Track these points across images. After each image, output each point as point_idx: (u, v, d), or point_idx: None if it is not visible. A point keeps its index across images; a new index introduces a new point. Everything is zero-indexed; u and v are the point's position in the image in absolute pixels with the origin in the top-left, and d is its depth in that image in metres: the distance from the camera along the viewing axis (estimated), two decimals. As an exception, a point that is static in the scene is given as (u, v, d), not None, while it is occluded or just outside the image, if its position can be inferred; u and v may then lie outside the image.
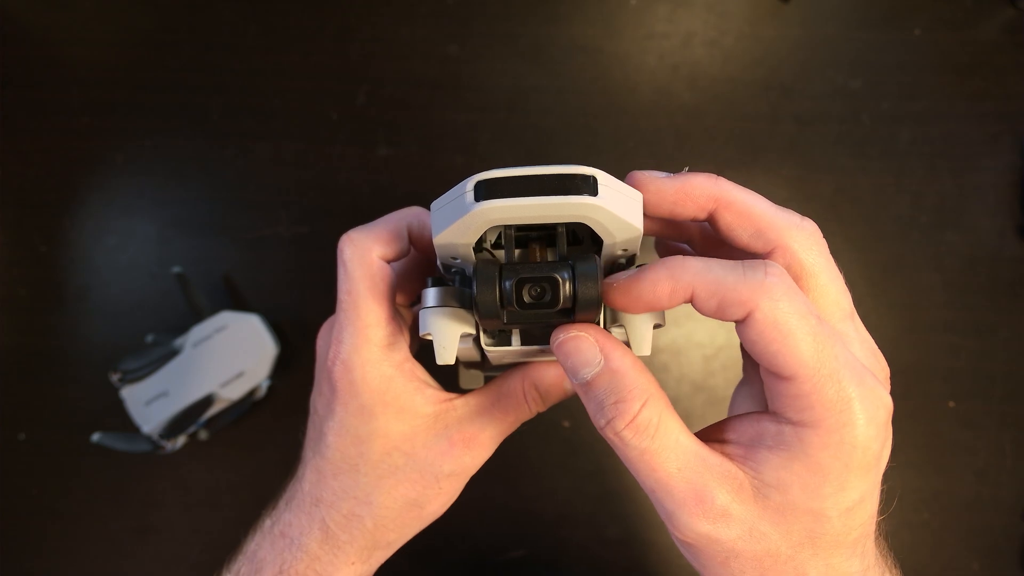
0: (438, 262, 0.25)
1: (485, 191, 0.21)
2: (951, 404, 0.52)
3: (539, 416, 0.31)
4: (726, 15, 0.57)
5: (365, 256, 0.27)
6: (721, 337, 0.53)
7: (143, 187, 0.56)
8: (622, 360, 0.22)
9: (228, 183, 0.56)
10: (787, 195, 0.55)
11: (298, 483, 0.30)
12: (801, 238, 0.24)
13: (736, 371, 0.53)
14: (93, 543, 0.53)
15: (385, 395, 0.28)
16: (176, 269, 0.53)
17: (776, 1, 0.57)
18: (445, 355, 0.25)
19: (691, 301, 0.22)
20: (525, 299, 0.22)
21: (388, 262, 0.28)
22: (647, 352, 0.24)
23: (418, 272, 0.31)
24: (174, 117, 0.57)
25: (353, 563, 0.30)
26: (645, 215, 0.24)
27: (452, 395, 0.30)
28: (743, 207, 0.24)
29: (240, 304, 0.54)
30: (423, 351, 0.31)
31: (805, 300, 0.21)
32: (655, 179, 0.24)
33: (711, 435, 0.24)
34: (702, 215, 0.25)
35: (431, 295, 0.25)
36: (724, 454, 0.22)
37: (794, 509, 0.21)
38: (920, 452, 0.52)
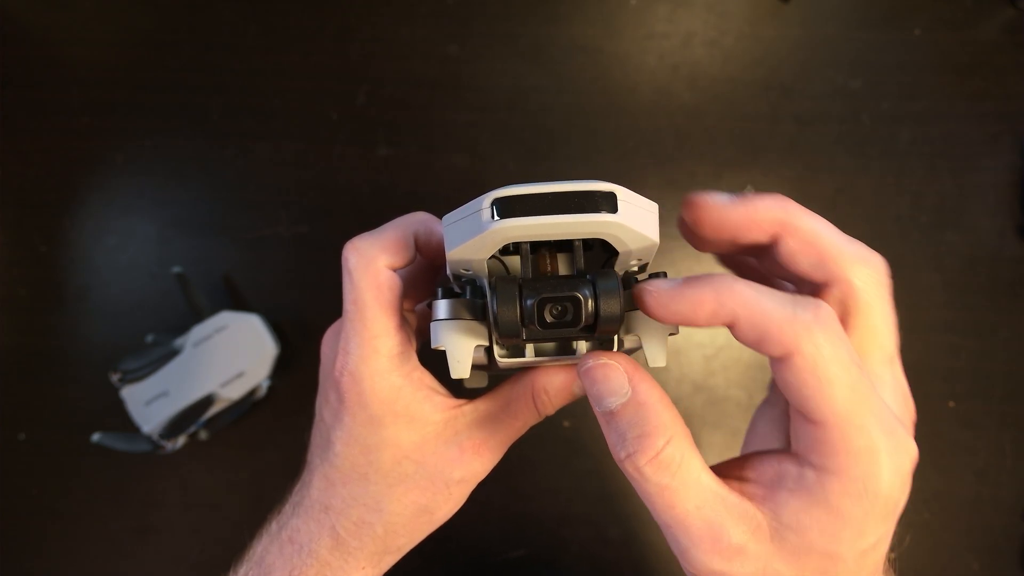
0: (448, 271, 0.25)
1: (503, 209, 0.20)
2: (951, 404, 0.52)
3: (540, 416, 0.31)
4: (726, 15, 0.57)
5: (371, 265, 0.27)
6: (721, 337, 0.53)
7: (143, 187, 0.56)
8: (649, 393, 0.22)
9: (228, 183, 0.56)
10: (787, 195, 0.55)
11: (306, 489, 0.30)
12: (864, 274, 0.23)
13: (736, 371, 0.53)
14: (93, 543, 0.53)
15: (395, 405, 0.28)
16: (176, 269, 0.53)
17: (776, 1, 0.57)
18: (460, 369, 0.25)
19: (730, 327, 0.21)
20: (547, 319, 0.21)
21: (394, 270, 0.28)
22: (662, 363, 0.24)
23: (423, 275, 0.31)
24: (174, 117, 0.57)
25: (364, 567, 0.30)
26: (704, 239, 0.24)
27: (461, 401, 0.30)
28: (810, 235, 0.23)
29: (240, 304, 0.54)
30: (430, 356, 0.31)
31: (849, 347, 0.20)
32: (718, 204, 0.23)
33: (731, 471, 0.23)
34: (764, 239, 0.24)
35: (442, 308, 0.25)
36: (743, 493, 0.22)
37: (810, 551, 0.21)
38: (920, 452, 0.52)
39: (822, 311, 0.20)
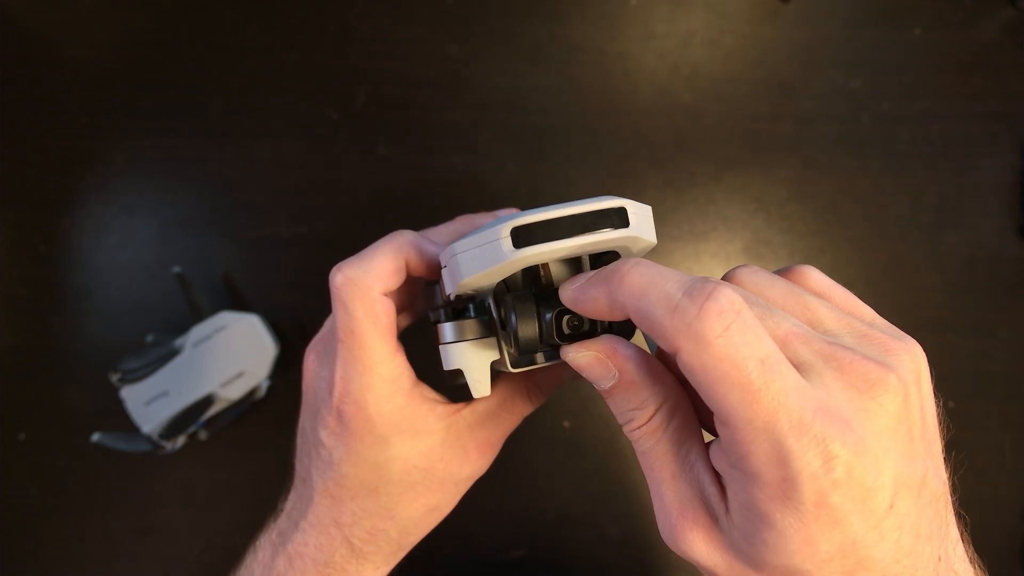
0: (449, 292, 0.25)
1: (523, 238, 0.21)
2: (951, 404, 0.52)
3: (540, 417, 0.32)
4: (726, 15, 0.57)
5: (366, 295, 0.27)
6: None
7: (143, 187, 0.56)
8: (636, 372, 0.22)
9: (228, 183, 0.56)
10: (787, 195, 0.55)
11: (306, 504, 0.30)
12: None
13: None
14: (93, 543, 0.53)
15: (400, 424, 0.28)
16: (176, 269, 0.53)
17: (776, 1, 0.57)
18: (481, 388, 0.25)
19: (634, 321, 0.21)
20: (565, 330, 0.22)
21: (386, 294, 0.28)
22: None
23: (409, 284, 0.31)
24: (174, 117, 0.56)
25: (379, 567, 0.31)
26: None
27: (460, 405, 0.30)
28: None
29: (240, 304, 0.54)
30: (411, 356, 0.31)
31: (747, 339, 0.18)
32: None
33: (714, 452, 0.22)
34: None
35: (449, 331, 0.26)
36: (716, 483, 0.21)
37: (765, 564, 0.19)
38: (920, 452, 0.52)
39: (712, 304, 0.18)
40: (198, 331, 0.51)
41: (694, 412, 0.23)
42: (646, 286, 0.19)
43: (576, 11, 0.57)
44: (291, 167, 0.56)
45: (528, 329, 0.22)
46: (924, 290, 0.54)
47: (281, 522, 0.32)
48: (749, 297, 0.21)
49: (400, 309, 0.30)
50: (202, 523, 0.53)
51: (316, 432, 0.30)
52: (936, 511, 0.21)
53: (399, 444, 0.28)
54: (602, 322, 0.22)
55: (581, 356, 0.23)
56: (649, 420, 0.22)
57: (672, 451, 0.22)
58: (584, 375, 0.23)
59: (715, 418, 0.19)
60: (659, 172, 0.55)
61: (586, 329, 0.22)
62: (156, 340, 0.52)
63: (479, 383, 0.25)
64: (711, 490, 0.21)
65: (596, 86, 0.56)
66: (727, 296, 0.18)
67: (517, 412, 0.30)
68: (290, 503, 0.32)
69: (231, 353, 0.51)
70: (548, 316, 0.22)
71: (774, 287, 0.22)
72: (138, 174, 0.56)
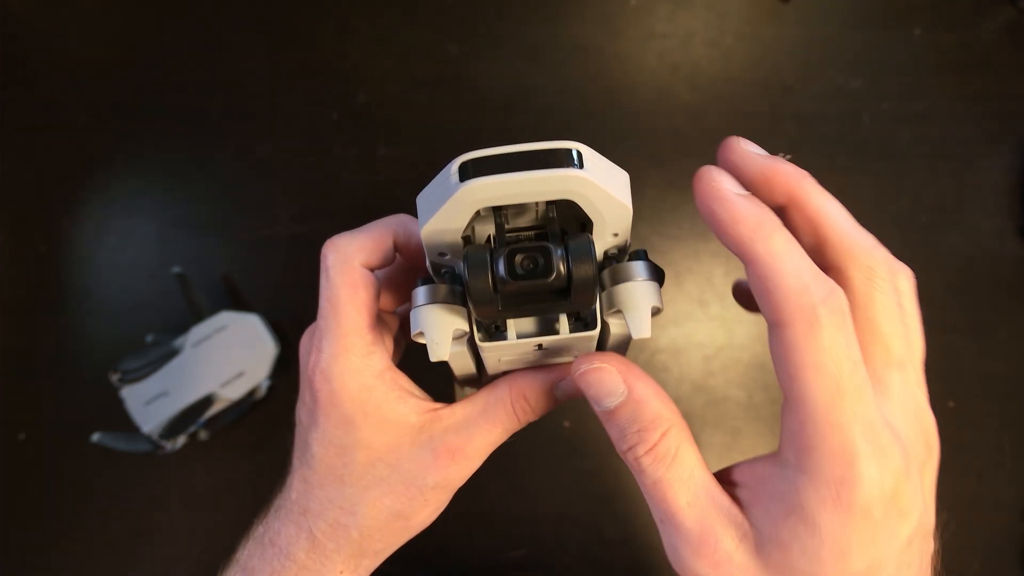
0: (427, 263, 0.25)
1: (471, 170, 0.21)
2: (951, 404, 0.52)
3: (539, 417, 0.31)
4: (726, 15, 0.57)
5: (348, 263, 0.27)
6: (721, 337, 0.53)
7: (143, 187, 0.56)
8: (645, 390, 0.22)
9: (228, 183, 0.56)
10: (787, 195, 0.55)
11: (286, 492, 0.30)
12: (864, 268, 0.22)
13: (736, 371, 0.53)
14: (93, 543, 0.53)
15: (366, 405, 0.27)
16: (176, 269, 0.53)
17: (776, 1, 0.57)
18: (438, 351, 0.24)
19: (747, 265, 0.21)
20: (518, 270, 0.21)
21: (372, 270, 0.28)
22: (647, 334, 0.23)
23: (403, 279, 0.31)
24: (174, 117, 0.57)
25: (341, 571, 0.29)
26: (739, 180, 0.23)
27: (438, 405, 0.29)
28: (814, 214, 0.22)
29: (240, 304, 0.54)
30: (410, 360, 0.31)
31: (851, 343, 0.19)
32: (745, 152, 0.24)
33: (727, 476, 0.23)
34: (775, 203, 0.23)
35: (420, 293, 0.24)
36: (734, 497, 0.22)
37: (794, 571, 0.20)
38: (920, 452, 0.52)
39: (834, 297, 0.19)
40: (198, 331, 0.51)
41: (690, 432, 0.22)
42: (786, 253, 0.20)
43: (576, 11, 0.57)
44: (291, 167, 0.56)
45: (479, 271, 0.21)
46: (924, 290, 0.53)
47: (269, 513, 0.31)
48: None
49: (398, 300, 0.31)
50: (202, 523, 0.53)
51: (298, 412, 0.30)
52: (924, 570, 0.22)
53: (365, 428, 0.27)
54: (559, 271, 0.21)
55: (594, 369, 0.23)
56: (659, 442, 0.22)
57: (683, 476, 0.22)
58: (591, 391, 0.23)
59: (785, 406, 0.20)
60: (659, 172, 0.55)
61: (541, 269, 0.21)
62: (156, 340, 0.52)
63: (438, 345, 0.24)
64: (733, 510, 0.21)
65: (596, 86, 0.56)
66: (841, 299, 0.19)
67: (500, 424, 0.29)
68: (277, 496, 0.32)
69: (231, 353, 0.51)
70: (500, 255, 0.21)
71: (887, 310, 0.22)
72: (138, 174, 0.56)
